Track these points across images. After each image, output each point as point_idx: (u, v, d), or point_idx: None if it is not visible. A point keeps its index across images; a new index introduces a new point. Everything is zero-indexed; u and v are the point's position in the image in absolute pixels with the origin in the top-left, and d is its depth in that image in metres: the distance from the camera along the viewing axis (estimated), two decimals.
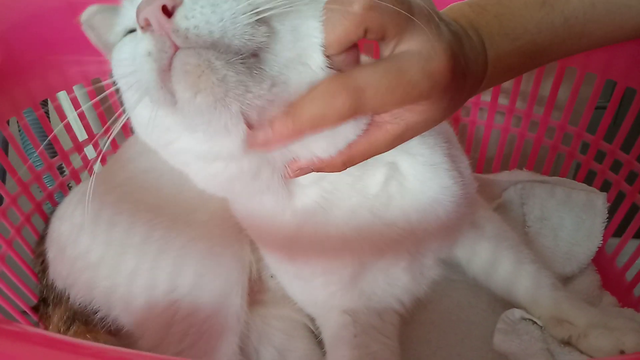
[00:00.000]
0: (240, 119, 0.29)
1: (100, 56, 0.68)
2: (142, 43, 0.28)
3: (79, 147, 0.69)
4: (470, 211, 0.54)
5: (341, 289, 0.49)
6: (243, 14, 0.27)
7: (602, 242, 0.64)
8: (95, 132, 0.72)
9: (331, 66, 0.30)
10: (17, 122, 0.63)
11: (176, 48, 0.27)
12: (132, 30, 0.35)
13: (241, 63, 0.28)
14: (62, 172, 0.69)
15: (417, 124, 0.34)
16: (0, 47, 0.57)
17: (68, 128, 0.68)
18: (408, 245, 0.48)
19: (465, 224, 0.55)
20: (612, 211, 0.65)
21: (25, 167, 0.62)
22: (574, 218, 0.66)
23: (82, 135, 0.71)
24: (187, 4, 0.27)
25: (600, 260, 0.65)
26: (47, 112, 0.67)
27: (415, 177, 0.44)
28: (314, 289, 0.50)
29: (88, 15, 0.43)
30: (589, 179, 0.70)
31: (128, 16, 0.35)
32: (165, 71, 0.27)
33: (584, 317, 0.51)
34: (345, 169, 0.36)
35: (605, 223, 0.65)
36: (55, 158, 0.67)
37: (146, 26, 0.27)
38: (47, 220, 0.61)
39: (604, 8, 0.42)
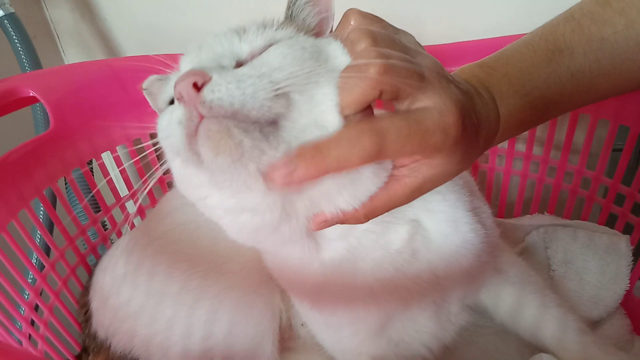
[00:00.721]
0: (259, 177, 0.33)
1: (140, 120, 0.74)
2: (176, 112, 0.32)
3: (120, 202, 0.74)
4: (493, 258, 0.55)
5: (369, 338, 0.50)
6: (263, 90, 0.31)
7: (629, 285, 0.64)
8: (135, 188, 0.77)
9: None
10: (65, 179, 0.69)
11: (202, 117, 0.31)
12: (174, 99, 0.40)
13: (259, 131, 0.31)
14: (104, 226, 0.74)
15: (434, 177, 0.36)
16: (54, 114, 0.64)
17: (110, 185, 0.73)
18: (433, 295, 0.49)
19: (488, 270, 0.56)
20: (637, 254, 0.65)
21: (71, 222, 0.67)
22: (599, 261, 0.66)
23: (123, 191, 0.76)
24: (215, 80, 0.31)
25: (630, 304, 0.65)
26: (91, 169, 0.72)
27: (437, 231, 0.46)
28: (342, 338, 0.52)
29: (148, 83, 0.50)
30: (610, 222, 0.70)
31: (171, 87, 0.40)
32: (192, 136, 0.32)
33: None
34: (368, 220, 0.38)
35: (631, 266, 0.65)
36: (99, 213, 0.72)
37: (180, 98, 0.32)
38: (90, 272, 0.65)
39: (609, 63, 0.45)
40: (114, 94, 0.71)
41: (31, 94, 0.62)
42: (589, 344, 0.53)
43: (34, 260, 0.63)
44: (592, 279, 0.65)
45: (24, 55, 0.74)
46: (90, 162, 0.72)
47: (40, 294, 0.61)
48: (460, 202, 0.47)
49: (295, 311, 0.56)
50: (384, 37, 0.34)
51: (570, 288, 0.65)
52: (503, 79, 0.43)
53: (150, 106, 0.76)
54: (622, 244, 0.65)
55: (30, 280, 0.61)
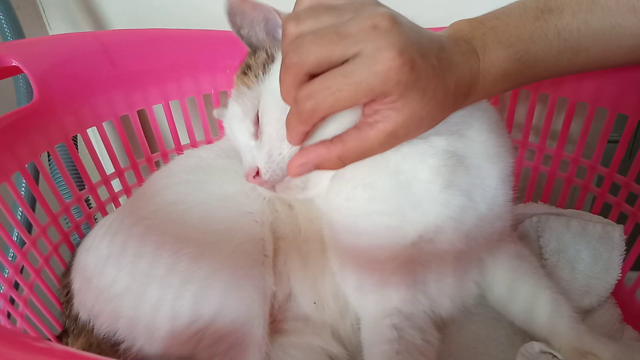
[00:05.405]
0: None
1: (128, 96, 0.72)
2: (258, 188, 0.53)
3: (106, 180, 0.72)
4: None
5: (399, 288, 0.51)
6: (282, 161, 0.47)
7: (620, 275, 0.64)
8: (122, 166, 0.75)
9: None
10: (48, 154, 0.67)
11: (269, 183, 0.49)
12: None
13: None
14: (89, 204, 0.72)
15: (405, 122, 0.37)
16: (38, 86, 0.61)
17: (96, 161, 0.71)
18: (464, 258, 0.53)
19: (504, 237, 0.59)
20: (629, 244, 0.65)
21: (54, 198, 0.64)
22: (591, 250, 0.65)
23: (109, 168, 0.73)
24: (261, 168, 0.49)
25: (620, 294, 0.65)
26: (76, 145, 0.70)
27: (494, 188, 0.50)
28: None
29: (217, 112, 0.62)
30: (604, 212, 0.70)
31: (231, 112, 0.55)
32: (272, 190, 0.51)
33: (608, 350, 0.51)
34: (344, 165, 0.40)
35: (624, 255, 0.64)
36: (83, 190, 0.69)
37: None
38: (74, 251, 0.63)
39: (598, 26, 0.46)
40: (102, 68, 0.68)
41: (14, 64, 0.59)
42: (582, 331, 0.53)
43: (14, 237, 0.60)
44: (584, 268, 0.65)
45: (7, 27, 0.71)
46: (75, 138, 0.70)
47: (21, 272, 0.59)
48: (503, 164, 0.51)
49: (300, 291, 0.56)
50: (306, 29, 0.37)
51: (562, 277, 0.65)
52: (489, 32, 0.44)
53: (140, 81, 0.75)
54: (616, 233, 0.65)
55: (10, 257, 0.59)
